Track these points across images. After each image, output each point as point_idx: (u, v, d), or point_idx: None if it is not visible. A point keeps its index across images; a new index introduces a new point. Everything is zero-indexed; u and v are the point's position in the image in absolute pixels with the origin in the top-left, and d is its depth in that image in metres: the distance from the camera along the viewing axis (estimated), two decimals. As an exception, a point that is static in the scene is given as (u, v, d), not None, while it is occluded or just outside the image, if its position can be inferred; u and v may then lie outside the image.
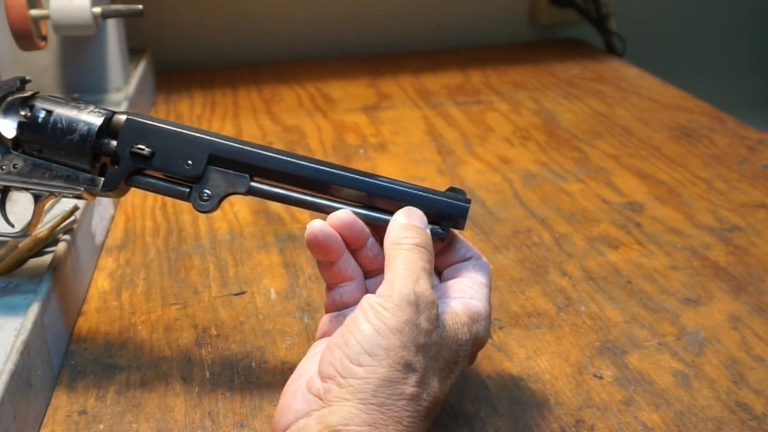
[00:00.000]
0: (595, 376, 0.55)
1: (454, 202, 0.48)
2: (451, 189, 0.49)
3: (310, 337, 0.59)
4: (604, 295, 0.64)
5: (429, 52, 1.27)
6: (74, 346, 0.58)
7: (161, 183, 0.49)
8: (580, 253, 0.70)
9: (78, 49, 0.87)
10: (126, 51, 0.94)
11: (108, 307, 0.62)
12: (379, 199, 0.48)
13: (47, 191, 0.50)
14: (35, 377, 0.50)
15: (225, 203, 0.79)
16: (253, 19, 1.21)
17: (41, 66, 0.86)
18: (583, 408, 0.52)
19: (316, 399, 0.42)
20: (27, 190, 0.50)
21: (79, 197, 0.50)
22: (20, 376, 0.47)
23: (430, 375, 0.42)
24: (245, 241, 0.72)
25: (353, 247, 0.48)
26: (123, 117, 0.49)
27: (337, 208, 0.48)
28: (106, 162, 0.49)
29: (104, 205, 0.73)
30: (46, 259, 0.57)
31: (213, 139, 0.48)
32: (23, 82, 0.51)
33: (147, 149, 0.48)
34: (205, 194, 0.48)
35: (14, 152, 0.49)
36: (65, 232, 0.60)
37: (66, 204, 0.62)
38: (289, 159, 0.48)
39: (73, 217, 0.61)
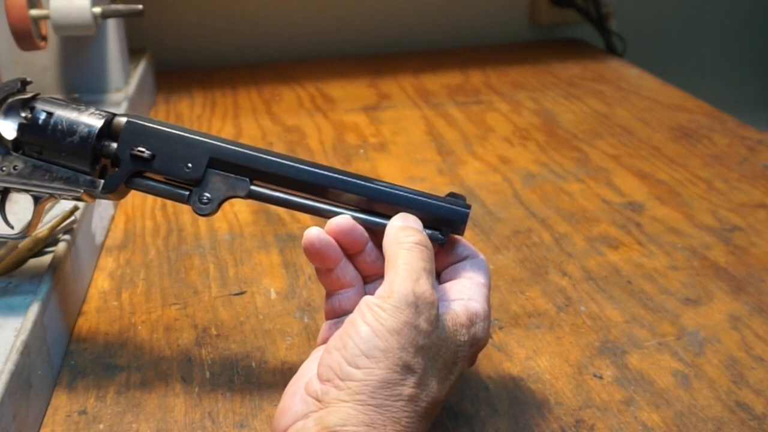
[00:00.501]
0: (595, 376, 0.55)
1: (454, 207, 0.48)
2: (452, 194, 0.49)
3: (310, 337, 0.59)
4: (604, 295, 0.64)
5: (429, 52, 1.27)
6: (74, 346, 0.58)
7: (161, 186, 0.49)
8: (580, 253, 0.70)
9: (78, 49, 0.87)
10: (126, 51, 0.94)
11: (108, 307, 0.62)
12: (379, 203, 0.48)
13: (47, 193, 0.50)
14: (35, 377, 0.50)
15: (225, 204, 0.79)
16: (253, 19, 1.21)
17: (41, 66, 0.86)
18: (583, 408, 0.52)
19: (314, 401, 0.42)
20: (27, 191, 0.50)
21: (78, 199, 0.50)
22: (20, 376, 0.47)
23: (429, 376, 0.42)
24: (245, 241, 0.72)
25: (351, 252, 0.48)
26: (123, 119, 0.49)
27: (337, 213, 0.48)
28: (106, 164, 0.49)
29: (104, 205, 0.73)
30: (46, 259, 0.57)
31: (213, 142, 0.48)
32: (24, 83, 0.51)
33: (147, 152, 0.48)
34: (205, 197, 0.48)
35: (14, 154, 0.49)
36: (65, 232, 0.60)
37: (66, 204, 0.62)
38: (289, 163, 0.48)
39: (73, 218, 0.61)
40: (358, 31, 1.26)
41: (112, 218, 0.76)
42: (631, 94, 1.09)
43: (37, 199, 0.51)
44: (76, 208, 0.62)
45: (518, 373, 0.55)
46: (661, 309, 0.62)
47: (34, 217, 0.51)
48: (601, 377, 0.55)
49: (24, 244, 0.56)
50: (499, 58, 1.24)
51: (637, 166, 0.87)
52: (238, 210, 0.77)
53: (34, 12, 0.74)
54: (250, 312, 0.62)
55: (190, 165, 0.48)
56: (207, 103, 1.06)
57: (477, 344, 0.46)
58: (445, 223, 0.48)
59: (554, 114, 1.02)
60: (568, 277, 0.66)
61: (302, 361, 0.48)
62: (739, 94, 1.48)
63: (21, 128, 0.49)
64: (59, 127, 0.48)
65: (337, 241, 0.47)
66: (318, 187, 0.48)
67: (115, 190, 0.49)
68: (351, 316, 0.43)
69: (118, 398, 0.52)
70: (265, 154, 0.48)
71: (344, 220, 0.47)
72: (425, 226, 0.48)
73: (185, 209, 0.77)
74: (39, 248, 0.58)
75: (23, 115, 0.49)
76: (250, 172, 0.48)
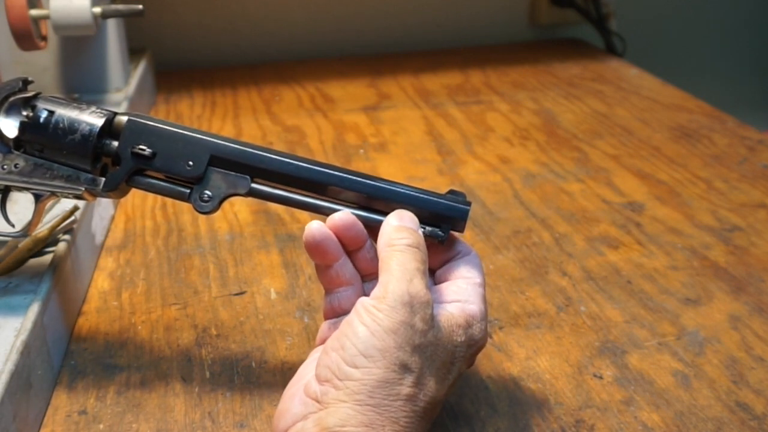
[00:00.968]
0: (595, 376, 0.55)
1: (454, 204, 0.48)
2: (452, 191, 0.49)
3: (310, 337, 0.59)
4: (604, 295, 0.64)
5: (429, 52, 1.27)
6: (74, 346, 0.58)
7: (162, 184, 0.49)
8: (580, 253, 0.70)
9: (78, 49, 0.87)
10: (126, 51, 0.94)
11: (108, 307, 0.62)
12: (379, 201, 0.48)
13: (48, 191, 0.50)
14: (35, 377, 0.50)
15: (225, 203, 0.79)
16: (253, 19, 1.21)
17: (41, 66, 0.86)
18: (583, 408, 0.52)
19: (314, 402, 0.42)
20: (28, 189, 0.50)
21: (79, 197, 0.50)
22: (20, 376, 0.47)
23: (427, 375, 0.42)
24: (245, 241, 0.72)
25: (351, 249, 0.48)
26: (124, 118, 0.49)
27: (338, 210, 0.48)
28: (107, 163, 0.49)
29: (104, 205, 0.73)
30: (46, 259, 0.57)
31: (214, 140, 0.48)
32: (25, 82, 0.51)
33: (148, 150, 0.48)
34: (206, 195, 0.48)
35: (16, 152, 0.49)
36: (65, 232, 0.60)
37: (66, 204, 0.62)
38: (289, 161, 0.48)
39: (73, 217, 0.61)
40: (358, 31, 1.26)
41: (112, 218, 0.76)
42: (631, 94, 1.09)
43: (38, 197, 0.51)
44: (76, 208, 0.62)
45: (518, 373, 0.55)
46: (661, 309, 0.62)
47: (34, 215, 0.51)
48: (601, 377, 0.55)
49: (24, 244, 0.56)
50: (499, 58, 1.24)
51: (637, 166, 0.87)
52: (238, 210, 0.77)
53: (34, 12, 0.74)
54: (250, 312, 0.62)
55: (191, 163, 0.48)
56: (207, 103, 1.06)
57: (475, 345, 0.46)
58: (445, 220, 0.48)
59: (554, 114, 1.02)
60: (568, 277, 0.66)
61: (302, 361, 0.48)
62: (739, 94, 1.48)
63: (22, 127, 0.49)
64: (60, 125, 0.48)
65: (338, 237, 0.47)
66: (318, 185, 0.48)
67: (116, 188, 0.49)
68: (348, 317, 0.43)
69: (118, 398, 0.52)
70: (265, 152, 0.48)
71: (345, 215, 0.47)
72: (425, 223, 0.48)
73: (185, 209, 0.77)
74: (39, 248, 0.58)
75: (24, 113, 0.49)
76: (251, 169, 0.48)
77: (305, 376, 0.45)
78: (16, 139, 0.49)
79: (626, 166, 0.87)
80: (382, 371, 0.41)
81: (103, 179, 0.49)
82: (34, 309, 0.51)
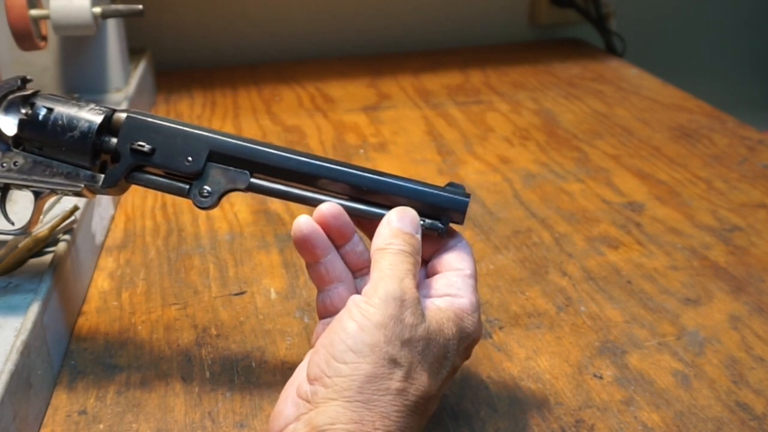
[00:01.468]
0: (595, 376, 0.55)
1: (454, 196, 0.48)
2: (451, 184, 0.49)
3: (310, 337, 0.59)
4: (604, 295, 0.64)
5: (429, 52, 1.27)
6: (74, 346, 0.58)
7: (161, 180, 0.49)
8: (580, 253, 0.70)
9: (78, 49, 0.87)
10: (126, 51, 0.94)
11: (108, 307, 0.62)
12: (380, 194, 0.48)
13: (48, 188, 0.50)
14: (35, 377, 0.50)
15: (225, 203, 0.79)
16: (253, 19, 1.21)
17: (41, 66, 0.86)
18: (583, 408, 0.52)
19: (305, 402, 0.42)
20: (27, 187, 0.50)
21: (79, 194, 0.50)
22: (20, 376, 0.47)
23: (418, 370, 0.42)
24: (245, 241, 0.72)
25: (339, 243, 0.48)
26: (123, 114, 0.49)
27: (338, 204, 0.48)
28: (106, 160, 0.50)
29: (104, 205, 0.73)
30: (46, 258, 0.57)
31: (213, 135, 0.48)
32: (24, 81, 0.51)
33: (147, 146, 0.48)
34: (205, 190, 0.48)
35: (15, 150, 0.50)
36: (65, 232, 0.60)
37: (66, 204, 0.62)
38: (289, 155, 0.48)
39: (73, 217, 0.61)
40: (358, 31, 1.26)
41: (112, 218, 0.76)
42: (631, 94, 1.09)
43: (37, 195, 0.51)
44: (76, 208, 0.62)
45: (518, 373, 0.55)
46: (661, 309, 0.62)
47: (34, 212, 0.52)
48: (601, 377, 0.55)
49: (24, 243, 0.56)
50: (499, 58, 1.24)
51: (637, 166, 0.87)
52: (238, 210, 0.77)
53: (34, 12, 0.74)
54: (250, 312, 0.62)
55: (190, 158, 0.48)
56: (207, 103, 1.06)
57: (468, 338, 0.46)
58: (444, 212, 0.48)
59: (554, 114, 1.02)
60: (568, 277, 0.66)
61: (302, 362, 0.48)
62: (739, 94, 1.48)
63: (21, 124, 0.49)
64: (59, 122, 0.48)
65: (325, 229, 0.47)
66: (318, 179, 0.48)
67: (115, 185, 0.49)
68: (339, 315, 0.43)
69: (118, 398, 0.52)
70: (265, 147, 0.48)
71: (331, 205, 0.47)
72: (425, 216, 0.48)
73: (185, 209, 0.77)
74: (39, 248, 0.58)
75: (23, 111, 0.49)
76: (250, 164, 0.48)
77: (299, 377, 0.45)
78: (15, 136, 0.49)
79: (626, 166, 0.87)
80: (371, 366, 0.41)
81: (103, 176, 0.49)
82: (34, 309, 0.51)
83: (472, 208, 0.77)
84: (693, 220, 0.75)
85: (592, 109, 1.04)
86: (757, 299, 0.63)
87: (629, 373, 0.55)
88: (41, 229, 0.58)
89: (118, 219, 0.76)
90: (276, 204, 0.78)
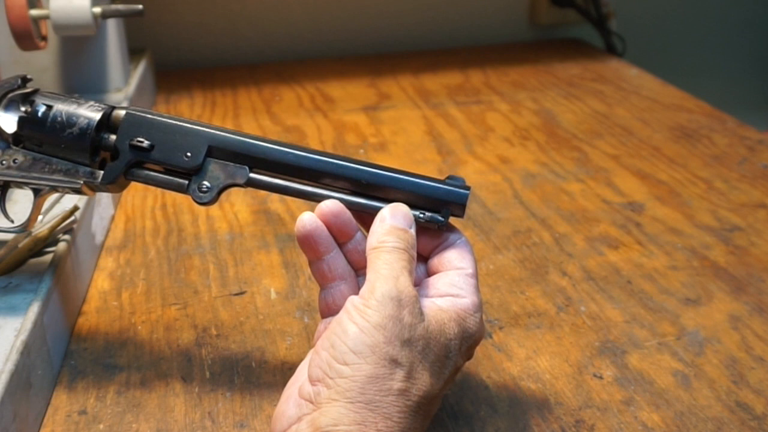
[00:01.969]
0: (595, 376, 0.55)
1: (453, 189, 0.48)
2: (450, 177, 0.49)
3: (310, 337, 0.59)
4: (604, 295, 0.64)
5: (429, 52, 1.27)
6: (74, 346, 0.58)
7: (160, 176, 0.49)
8: (580, 253, 0.70)
9: (78, 49, 0.87)
10: (126, 51, 0.94)
11: (108, 307, 0.62)
12: (379, 188, 0.48)
13: (47, 185, 0.50)
14: (35, 377, 0.50)
15: (225, 203, 0.79)
16: (253, 19, 1.21)
17: (41, 66, 0.86)
18: (583, 408, 0.52)
19: (308, 403, 0.42)
20: (27, 184, 0.50)
21: (78, 192, 0.50)
22: (20, 376, 0.47)
23: (419, 369, 0.42)
24: (245, 241, 0.72)
25: (342, 241, 0.48)
26: (122, 111, 0.49)
27: (338, 198, 0.48)
28: (105, 157, 0.50)
29: (104, 205, 0.73)
30: (46, 258, 0.57)
31: (212, 131, 0.48)
32: (24, 80, 0.51)
33: (146, 142, 0.48)
34: (204, 186, 0.48)
35: (15, 147, 0.50)
36: (65, 232, 0.60)
37: (66, 204, 0.62)
38: (288, 150, 0.48)
39: (73, 217, 0.61)
40: (358, 31, 1.26)
41: (112, 218, 0.76)
42: (631, 94, 1.09)
43: (36, 192, 0.51)
44: (76, 208, 0.62)
45: (518, 373, 0.55)
46: (661, 309, 0.62)
47: (34, 209, 0.52)
48: (601, 377, 0.55)
49: (24, 243, 0.56)
50: (499, 58, 1.24)
51: (637, 166, 0.87)
52: (238, 210, 0.77)
53: (34, 12, 0.74)
54: (250, 312, 0.62)
55: (188, 154, 0.48)
56: (207, 103, 1.06)
57: (471, 338, 0.46)
58: (444, 205, 0.48)
59: (554, 114, 1.02)
60: (568, 277, 0.66)
61: (302, 362, 0.48)
62: (739, 94, 1.48)
63: (21, 122, 0.49)
64: (58, 119, 0.48)
65: (328, 227, 0.47)
66: (317, 173, 0.48)
67: (114, 181, 0.49)
68: (338, 317, 0.43)
69: (118, 398, 0.52)
70: (263, 142, 0.48)
71: (333, 203, 0.47)
72: (425, 209, 0.47)
73: (185, 209, 0.77)
74: (39, 248, 0.58)
75: (23, 109, 0.49)
76: (249, 159, 0.48)
77: (301, 378, 0.45)
78: (15, 134, 0.49)
79: (626, 166, 0.87)
80: (372, 367, 0.41)
81: (102, 172, 0.49)
82: (34, 309, 0.51)
83: (472, 208, 0.77)
84: (693, 220, 0.75)
85: (592, 109, 1.04)
86: (757, 299, 0.63)
87: (629, 373, 0.55)
88: (41, 228, 0.58)
89: (118, 219, 0.76)
90: (276, 204, 0.78)
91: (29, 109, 0.49)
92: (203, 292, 0.64)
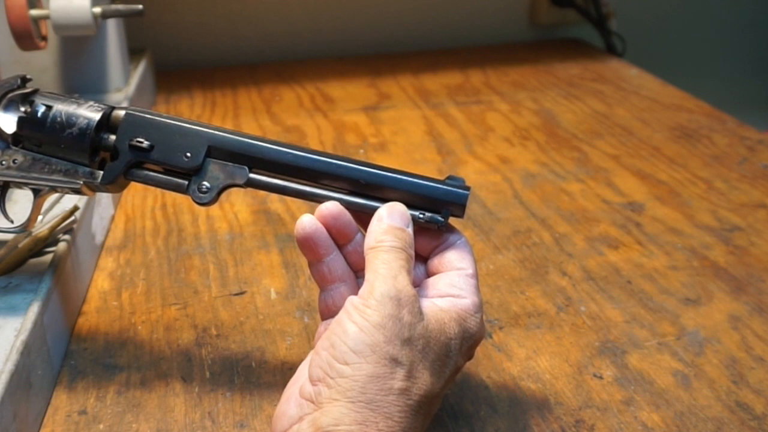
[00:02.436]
0: (595, 376, 0.55)
1: (453, 189, 0.48)
2: (450, 177, 0.49)
3: (310, 337, 0.59)
4: (604, 295, 0.64)
5: (429, 52, 1.27)
6: (74, 346, 0.58)
7: (160, 176, 0.49)
8: (580, 253, 0.70)
9: (78, 49, 0.87)
10: (126, 51, 0.94)
11: (108, 307, 0.62)
12: (378, 188, 0.48)
13: (47, 186, 0.50)
14: (35, 377, 0.50)
15: (225, 203, 0.79)
16: (253, 19, 1.21)
17: (41, 66, 0.86)
18: (583, 408, 0.52)
19: (309, 403, 0.42)
20: (26, 185, 0.50)
21: (78, 192, 0.50)
22: (20, 376, 0.47)
23: (420, 369, 0.42)
24: (245, 241, 0.72)
25: (341, 242, 0.48)
26: (122, 111, 0.49)
27: (336, 198, 0.48)
28: (105, 157, 0.50)
29: (104, 205, 0.73)
30: (46, 258, 0.57)
31: (211, 131, 0.48)
32: (24, 80, 0.51)
33: (146, 142, 0.48)
34: (204, 186, 0.48)
35: (14, 147, 0.50)
36: (65, 232, 0.60)
37: (66, 204, 0.62)
38: (287, 150, 0.48)
39: (73, 217, 0.61)
40: (358, 31, 1.26)
41: (112, 218, 0.76)
42: (631, 94, 1.09)
43: (36, 192, 0.51)
44: (76, 208, 0.62)
45: (518, 373, 0.55)
46: (661, 309, 0.62)
47: (33, 210, 0.52)
48: (601, 377, 0.55)
49: (24, 244, 0.56)
50: (499, 58, 1.24)
51: (637, 166, 0.87)
52: (238, 210, 0.77)
53: (34, 12, 0.74)
54: (250, 312, 0.62)
55: (188, 154, 0.48)
56: (207, 103, 1.06)
57: (471, 338, 0.46)
58: (444, 205, 0.48)
59: (554, 114, 1.02)
60: (568, 277, 0.66)
61: (302, 361, 0.48)
62: (739, 94, 1.48)
63: (20, 122, 0.49)
64: (58, 119, 0.48)
65: (327, 228, 0.47)
66: (317, 173, 0.48)
67: (114, 182, 0.49)
68: (337, 317, 0.44)
69: (118, 398, 0.52)
70: (263, 142, 0.48)
71: (333, 205, 0.47)
72: (424, 209, 0.47)
73: (185, 209, 0.77)
74: (39, 248, 0.58)
75: (23, 109, 0.49)
76: (249, 159, 0.48)
77: (301, 377, 0.45)
78: (15, 134, 0.49)
79: (626, 166, 0.87)
80: (372, 366, 0.41)
81: (101, 172, 0.49)
82: (34, 309, 0.51)
83: (472, 208, 0.77)
84: (693, 220, 0.75)
85: (592, 109, 1.04)
86: (757, 299, 0.63)
87: (629, 373, 0.55)
88: (41, 228, 0.58)
89: (118, 219, 0.76)
90: (276, 204, 0.78)
91: (29, 110, 0.49)
92: (203, 292, 0.64)
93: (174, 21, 1.18)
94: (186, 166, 0.48)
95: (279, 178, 0.48)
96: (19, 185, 0.51)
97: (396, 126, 0.98)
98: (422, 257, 0.49)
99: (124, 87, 0.90)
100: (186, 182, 0.49)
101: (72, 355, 0.57)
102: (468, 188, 0.48)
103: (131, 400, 0.52)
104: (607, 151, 0.91)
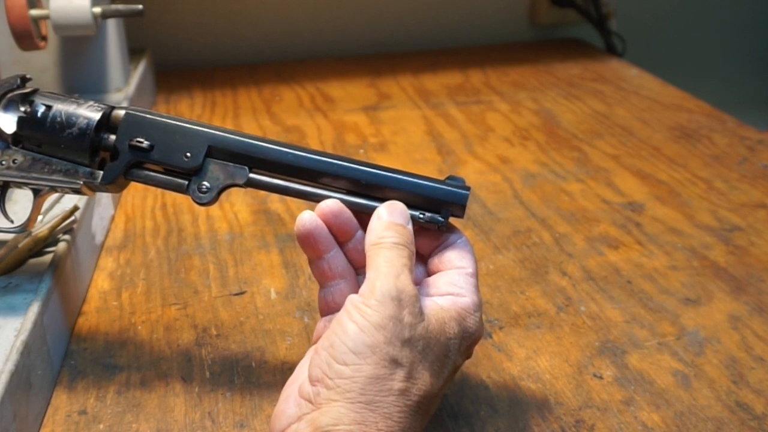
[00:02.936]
0: (595, 376, 0.55)
1: (453, 189, 0.48)
2: (450, 177, 0.49)
3: (310, 337, 0.59)
4: (604, 295, 0.64)
5: (429, 52, 1.27)
6: (74, 346, 0.58)
7: (160, 176, 0.49)
8: (580, 253, 0.70)
9: (78, 49, 0.87)
10: (126, 51, 0.94)
11: (108, 307, 0.62)
12: (378, 188, 0.48)
13: (47, 186, 0.50)
14: (35, 377, 0.50)
15: (225, 203, 0.79)
16: (253, 19, 1.21)
17: (41, 66, 0.86)
18: (583, 408, 0.52)
19: (307, 403, 0.42)
20: (26, 185, 0.50)
21: (78, 192, 0.50)
22: (20, 376, 0.47)
23: (419, 369, 0.42)
24: (245, 241, 0.72)
25: (342, 240, 0.48)
26: (122, 111, 0.49)
27: (337, 198, 0.48)
28: (105, 157, 0.50)
29: (104, 205, 0.73)
30: (46, 258, 0.57)
31: (211, 131, 0.48)
32: (24, 80, 0.51)
33: (146, 142, 0.48)
34: (204, 186, 0.48)
35: (14, 147, 0.50)
36: (65, 232, 0.60)
37: (66, 204, 0.62)
38: (287, 150, 0.48)
39: (73, 217, 0.61)
40: (358, 31, 1.26)
41: (112, 218, 0.76)
42: (631, 94, 1.09)
43: (36, 192, 0.51)
44: (76, 208, 0.62)
45: (518, 373, 0.55)
46: (661, 309, 0.62)
47: (33, 210, 0.52)
48: (601, 377, 0.55)
49: (24, 243, 0.56)
50: (499, 58, 1.24)
51: (637, 166, 0.87)
52: (238, 210, 0.77)
53: (34, 12, 0.74)
54: (250, 312, 0.62)
55: (188, 154, 0.48)
56: (207, 103, 1.06)
57: (470, 337, 0.46)
58: (444, 205, 0.48)
59: (554, 114, 1.02)
60: (568, 277, 0.66)
61: (302, 360, 0.48)
62: (739, 94, 1.48)
63: (20, 122, 0.49)
64: (58, 119, 0.48)
65: (328, 226, 0.47)
66: (317, 173, 0.48)
67: (114, 182, 0.49)
68: (338, 316, 0.43)
69: (118, 398, 0.52)
70: (263, 142, 0.48)
71: (333, 202, 0.47)
72: (424, 209, 0.47)
73: (185, 209, 0.77)
74: (39, 248, 0.58)
75: (22, 109, 0.49)
76: (249, 160, 0.48)
77: (300, 376, 0.45)
78: (15, 134, 0.49)
79: (626, 166, 0.87)
80: (372, 367, 0.41)
81: (101, 172, 0.49)
82: (34, 309, 0.51)
83: (472, 208, 0.77)
84: (693, 220, 0.75)
85: (592, 109, 1.04)
86: (757, 299, 0.63)
87: (629, 373, 0.55)
88: (41, 228, 0.58)
89: (118, 219, 0.76)
90: (276, 204, 0.78)
91: (29, 109, 0.49)
92: (203, 292, 0.64)
93: (174, 21, 1.18)
94: (186, 166, 0.48)
95: (279, 178, 0.48)
96: (19, 185, 0.51)
97: (396, 126, 0.98)
98: (422, 257, 0.49)
99: (124, 87, 0.90)
100: (186, 182, 0.49)
101: (72, 355, 0.57)
102: (468, 188, 0.48)
103: (131, 400, 0.52)
104: (607, 151, 0.91)
